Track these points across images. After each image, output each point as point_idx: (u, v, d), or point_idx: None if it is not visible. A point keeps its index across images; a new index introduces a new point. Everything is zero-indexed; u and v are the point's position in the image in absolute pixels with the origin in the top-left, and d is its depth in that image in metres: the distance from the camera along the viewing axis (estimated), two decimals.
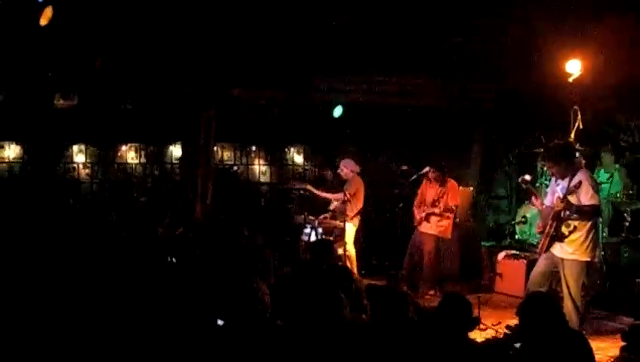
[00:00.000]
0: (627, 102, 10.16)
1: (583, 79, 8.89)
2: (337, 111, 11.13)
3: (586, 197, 6.55)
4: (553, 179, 7.06)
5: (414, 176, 9.84)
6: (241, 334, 4.33)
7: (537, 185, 10.37)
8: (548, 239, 6.74)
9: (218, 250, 7.43)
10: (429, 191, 9.55)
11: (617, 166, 9.45)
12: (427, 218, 9.45)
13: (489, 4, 9.39)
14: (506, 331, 6.97)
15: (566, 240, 6.66)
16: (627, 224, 9.08)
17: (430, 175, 9.47)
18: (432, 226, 9.43)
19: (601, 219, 7.61)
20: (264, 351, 4.19)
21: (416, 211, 9.62)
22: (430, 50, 10.11)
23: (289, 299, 5.09)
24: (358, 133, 12.11)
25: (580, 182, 6.51)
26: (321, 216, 10.02)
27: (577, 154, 9.01)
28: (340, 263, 7.89)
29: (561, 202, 6.52)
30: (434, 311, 4.56)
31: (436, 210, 9.31)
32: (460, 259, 10.66)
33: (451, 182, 9.54)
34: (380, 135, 12.17)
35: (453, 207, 9.38)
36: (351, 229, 9.64)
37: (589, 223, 6.68)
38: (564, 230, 6.64)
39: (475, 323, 4.62)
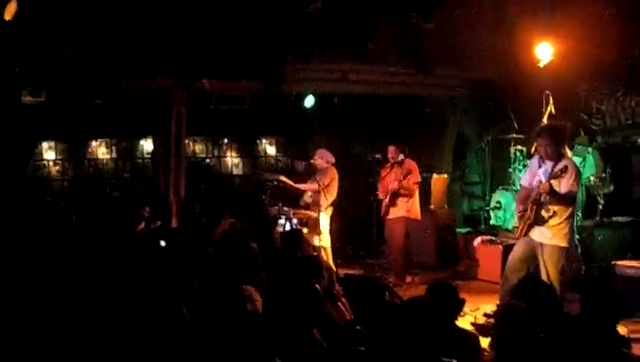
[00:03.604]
0: (599, 86, 10.25)
1: (554, 64, 8.91)
2: (309, 102, 11.09)
3: (568, 183, 6.52)
4: (534, 160, 7.04)
5: (377, 156, 9.91)
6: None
7: (510, 170, 10.45)
8: (527, 224, 6.75)
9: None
10: (389, 177, 9.56)
11: (590, 150, 9.52)
12: (393, 203, 9.45)
13: None
14: (485, 318, 7.09)
15: (545, 224, 6.65)
16: (600, 207, 9.18)
17: (390, 154, 9.49)
18: (400, 209, 9.45)
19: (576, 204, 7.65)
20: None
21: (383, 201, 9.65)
22: (403, 38, 10.07)
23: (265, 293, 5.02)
24: (331, 122, 12.07)
25: (566, 167, 6.45)
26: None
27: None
28: (314, 253, 7.83)
29: (547, 186, 6.49)
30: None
31: (395, 185, 9.31)
32: (436, 247, 10.70)
33: (409, 162, 9.54)
34: (354, 124, 12.15)
35: (414, 185, 9.44)
36: (325, 220, 9.61)
37: (569, 209, 6.68)
38: (544, 214, 6.63)
39: (462, 305, 4.60)
